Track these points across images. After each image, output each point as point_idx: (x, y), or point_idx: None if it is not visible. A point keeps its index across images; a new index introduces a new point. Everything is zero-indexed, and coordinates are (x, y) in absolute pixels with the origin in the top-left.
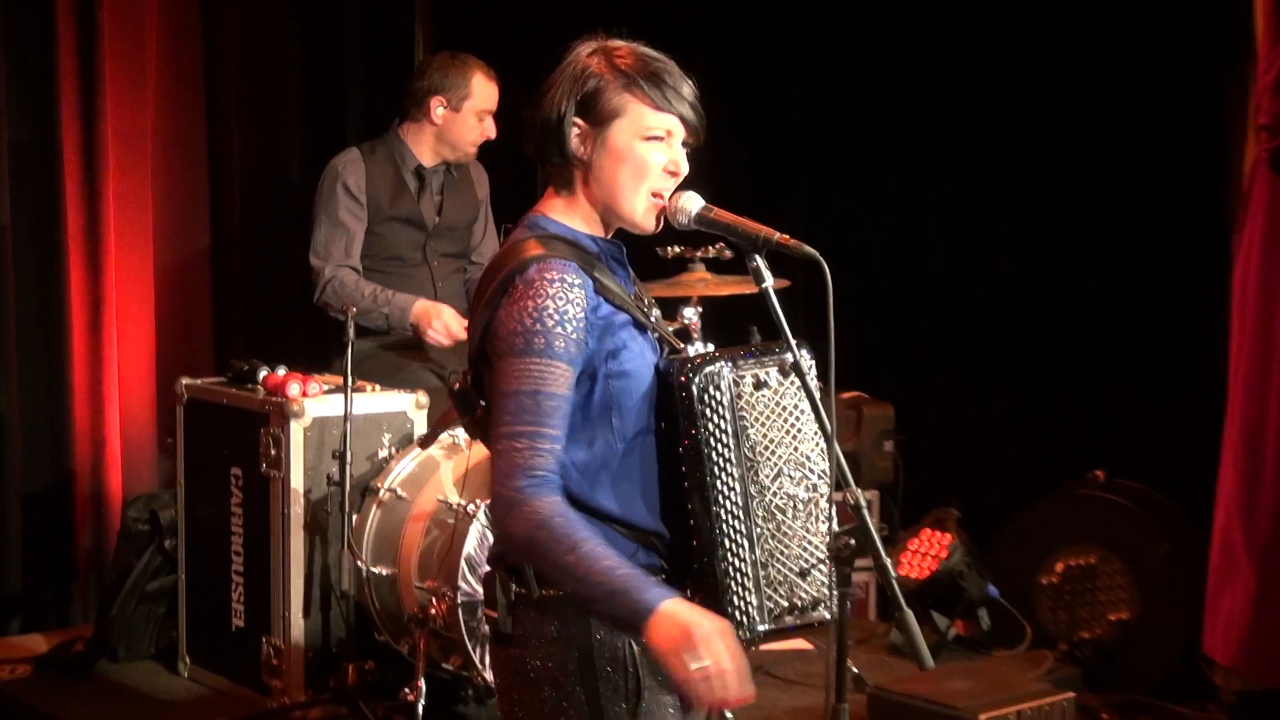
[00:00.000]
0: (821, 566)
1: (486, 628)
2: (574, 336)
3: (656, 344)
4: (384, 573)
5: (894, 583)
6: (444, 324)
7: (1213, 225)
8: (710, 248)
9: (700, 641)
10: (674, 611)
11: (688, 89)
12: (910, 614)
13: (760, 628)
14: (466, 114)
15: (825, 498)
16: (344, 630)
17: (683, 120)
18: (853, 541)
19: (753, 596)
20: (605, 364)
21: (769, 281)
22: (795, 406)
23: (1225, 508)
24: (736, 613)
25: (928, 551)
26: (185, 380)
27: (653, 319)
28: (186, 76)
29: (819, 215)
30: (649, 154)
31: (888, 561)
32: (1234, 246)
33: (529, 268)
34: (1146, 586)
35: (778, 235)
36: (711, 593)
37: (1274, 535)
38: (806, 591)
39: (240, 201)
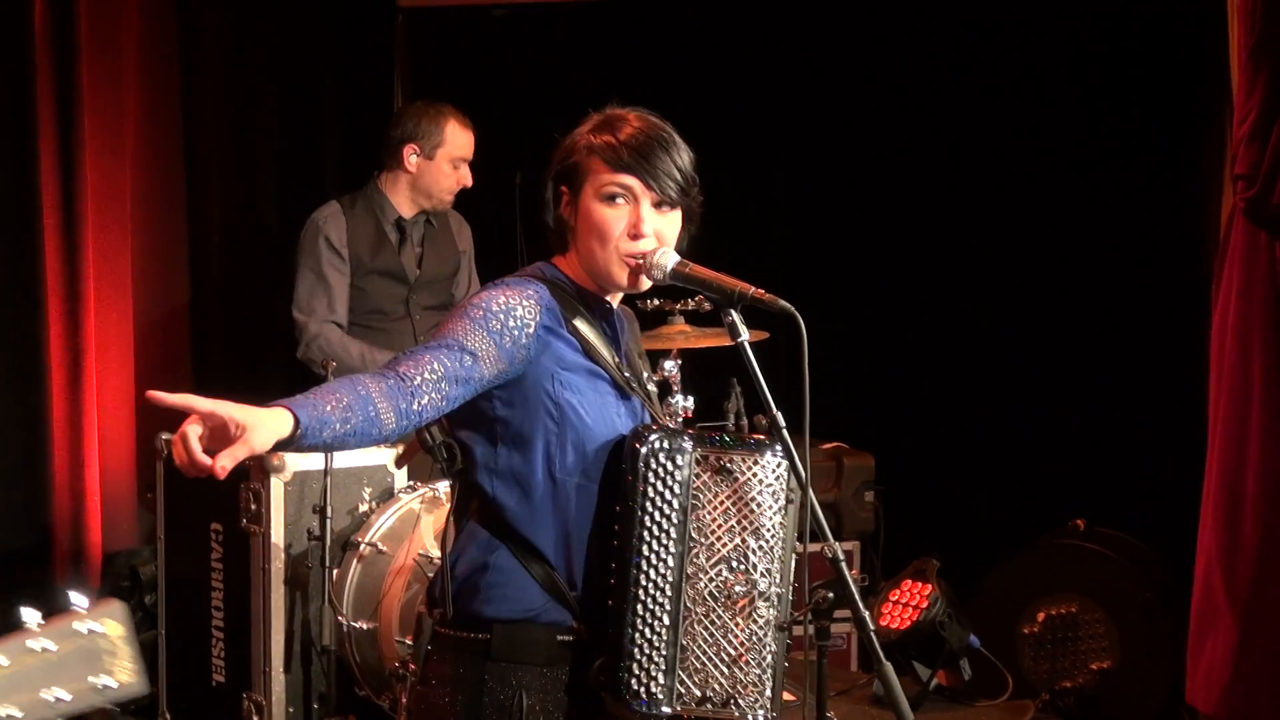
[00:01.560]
0: (743, 664)
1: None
2: (510, 326)
3: (640, 410)
4: (365, 627)
5: (872, 635)
6: None
7: (1191, 275)
8: (689, 300)
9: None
10: None
11: (662, 151)
12: (889, 667)
13: (664, 709)
14: (440, 161)
15: (762, 598)
16: (325, 685)
17: (644, 180)
18: (830, 595)
19: (663, 677)
20: (546, 384)
21: (744, 336)
22: (756, 502)
23: (1206, 555)
24: (639, 686)
25: (909, 602)
26: (165, 435)
27: (637, 385)
28: (165, 130)
29: (798, 267)
30: (607, 215)
31: (865, 614)
32: (1212, 296)
33: (504, 280)
34: (1128, 635)
35: (752, 290)
36: (614, 661)
37: (1255, 583)
38: (722, 685)
39: (219, 255)
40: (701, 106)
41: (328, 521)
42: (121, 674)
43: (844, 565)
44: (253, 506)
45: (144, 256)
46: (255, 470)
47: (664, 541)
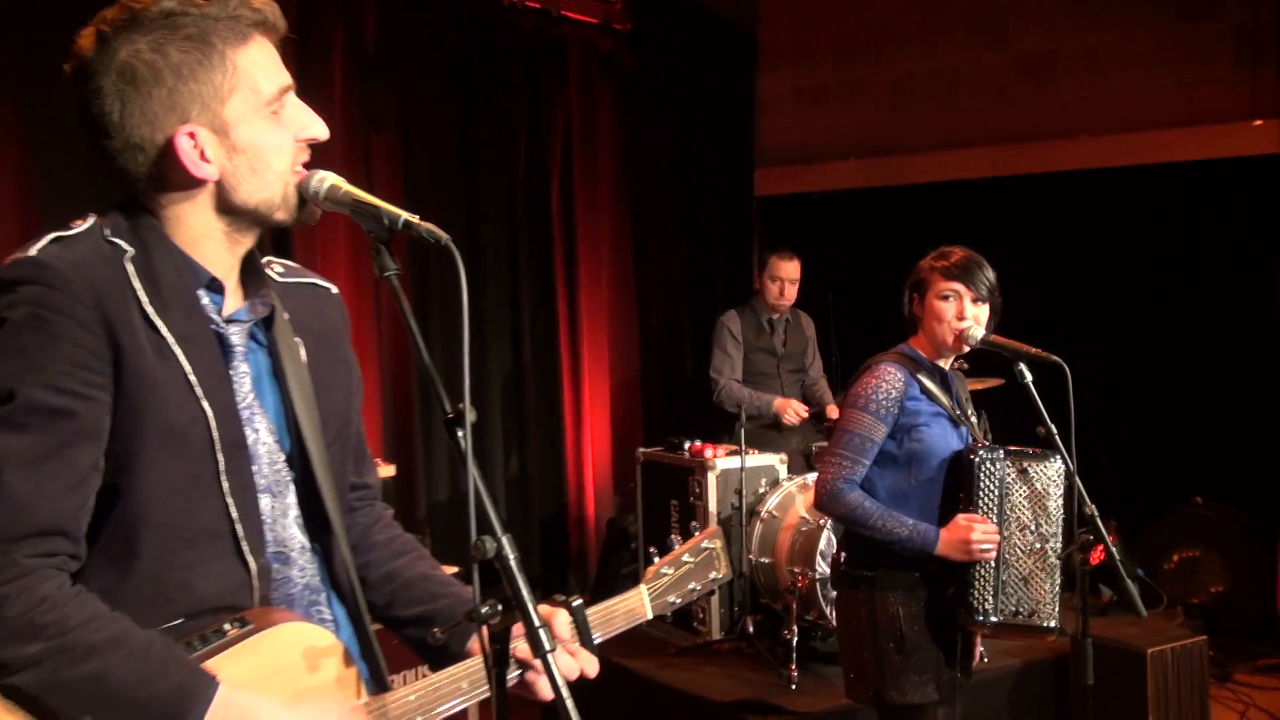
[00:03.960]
0: (1040, 592)
1: (834, 593)
2: (889, 406)
3: (966, 435)
4: (766, 561)
5: (1119, 565)
6: (794, 411)
7: (1274, 345)
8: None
9: (964, 540)
10: (945, 538)
11: (976, 267)
12: (1131, 584)
13: (992, 619)
14: (766, 281)
15: (1050, 549)
16: (742, 595)
17: (966, 285)
18: (1091, 538)
19: (992, 599)
20: (909, 431)
21: (1029, 379)
22: (1044, 490)
23: None
24: (976, 605)
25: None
26: (641, 449)
27: (963, 418)
28: (624, 260)
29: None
30: (944, 307)
31: (1116, 553)
32: None
33: (876, 364)
34: (1234, 570)
35: (1033, 349)
36: (961, 586)
37: None
38: (1028, 604)
39: (655, 343)
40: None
41: (742, 498)
42: (722, 569)
43: (1099, 520)
44: (697, 490)
45: (615, 334)
46: (698, 469)
47: (990, 512)
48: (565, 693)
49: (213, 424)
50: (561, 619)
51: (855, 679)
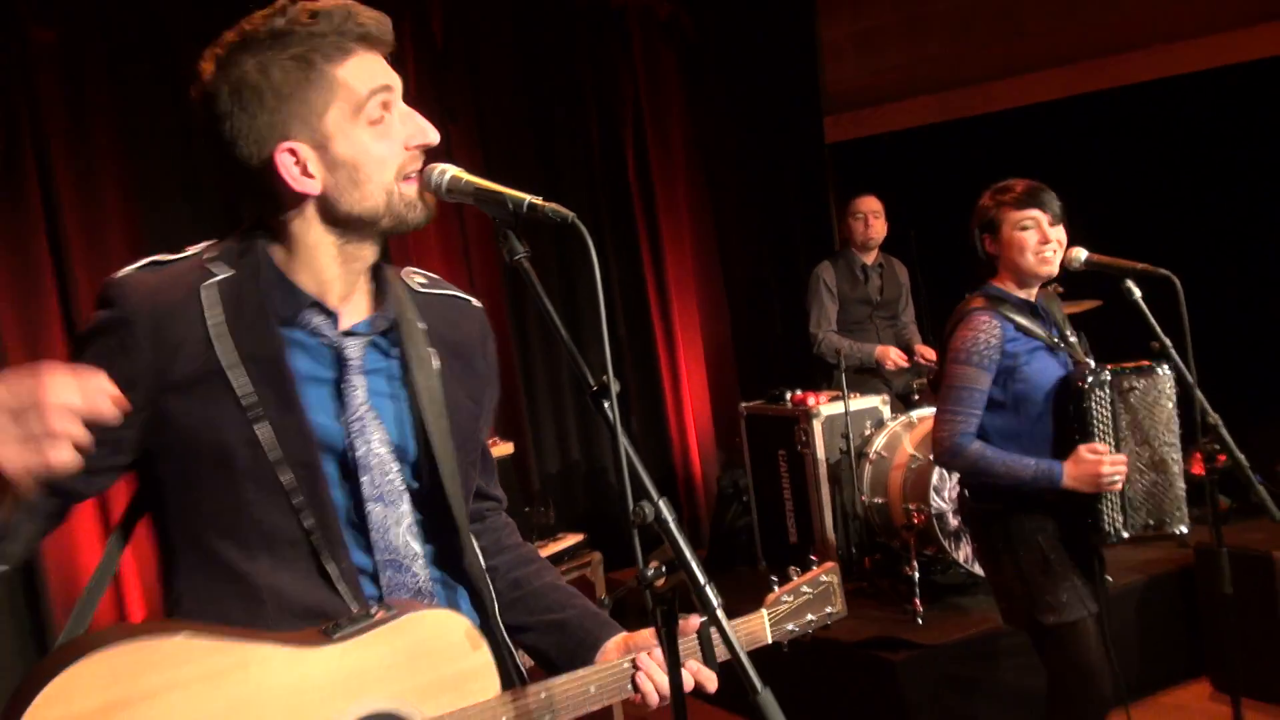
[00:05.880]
0: (1166, 500)
1: (954, 524)
2: (991, 355)
3: (1067, 360)
4: (879, 501)
5: (1251, 477)
6: (895, 358)
7: None
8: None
9: (1093, 475)
10: (1071, 472)
11: (1042, 192)
12: (1262, 489)
13: (1123, 534)
14: (850, 221)
15: (1170, 459)
16: (858, 537)
17: (1042, 209)
18: (1217, 446)
19: (1120, 516)
20: (1012, 373)
21: (1138, 295)
22: (1154, 402)
23: None
24: (1107, 524)
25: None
26: (743, 404)
27: (1062, 343)
28: (706, 231)
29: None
30: (1025, 237)
31: (1240, 456)
32: None
33: (970, 314)
34: None
35: (1140, 266)
36: (1091, 512)
37: None
38: (1155, 515)
39: (743, 299)
40: None
41: (849, 442)
42: (838, 605)
43: (1223, 429)
44: (803, 438)
45: (702, 295)
46: (803, 417)
47: (1105, 436)
48: (740, 649)
49: (264, 445)
50: (689, 626)
51: (1009, 607)
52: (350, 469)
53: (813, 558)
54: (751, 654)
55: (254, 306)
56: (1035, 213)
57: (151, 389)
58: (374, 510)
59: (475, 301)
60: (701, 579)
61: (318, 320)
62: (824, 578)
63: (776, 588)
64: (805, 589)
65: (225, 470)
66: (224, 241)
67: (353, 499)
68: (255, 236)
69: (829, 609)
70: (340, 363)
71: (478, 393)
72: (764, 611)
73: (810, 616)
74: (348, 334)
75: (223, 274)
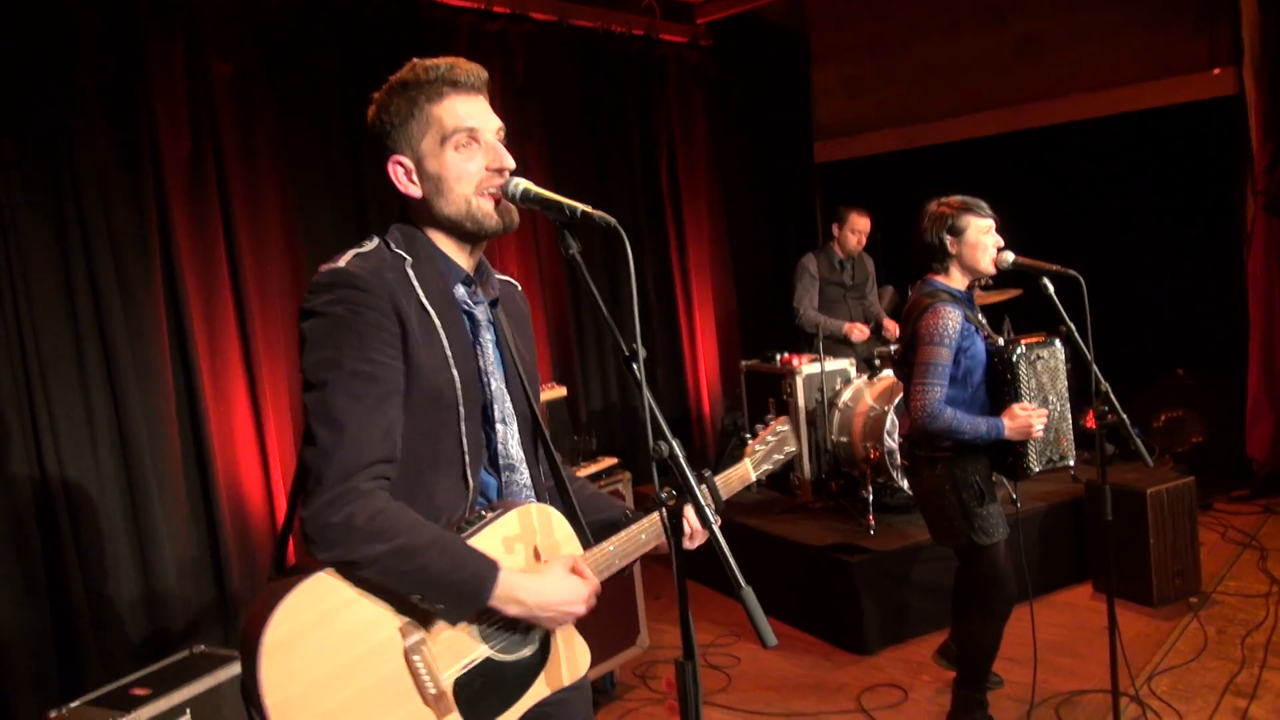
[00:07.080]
0: (1064, 443)
1: (900, 462)
2: (953, 337)
3: (984, 340)
4: (844, 440)
5: (1131, 430)
6: (859, 331)
7: (1233, 250)
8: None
9: (1026, 427)
10: (1010, 426)
11: (983, 206)
12: (1138, 440)
13: (1035, 469)
14: (847, 233)
15: (1068, 410)
16: (827, 467)
17: (992, 218)
18: (1108, 411)
19: (1035, 456)
20: (964, 352)
21: (1051, 289)
22: (1055, 368)
23: (1253, 383)
24: (1028, 462)
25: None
26: (743, 362)
27: (987, 326)
28: (716, 225)
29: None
30: (988, 241)
31: (1124, 415)
32: (1245, 259)
33: (934, 304)
34: (1211, 424)
35: (1056, 266)
36: (1016, 454)
37: None
38: (1056, 453)
39: (746, 284)
40: None
41: (824, 394)
42: (794, 444)
43: (1111, 394)
44: (788, 389)
45: (715, 279)
46: (788, 375)
47: (1030, 395)
48: (726, 549)
49: (458, 384)
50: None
51: (942, 531)
52: (487, 402)
53: (769, 415)
54: (736, 556)
55: (434, 281)
56: (990, 221)
57: (402, 345)
58: (500, 430)
59: (518, 284)
60: (701, 501)
61: (462, 291)
62: (780, 427)
63: (750, 440)
64: (770, 437)
65: (434, 404)
66: (389, 233)
67: (486, 424)
68: (410, 227)
69: (788, 448)
70: (473, 321)
71: (531, 350)
72: (747, 460)
73: (778, 456)
74: (477, 303)
75: (410, 259)
